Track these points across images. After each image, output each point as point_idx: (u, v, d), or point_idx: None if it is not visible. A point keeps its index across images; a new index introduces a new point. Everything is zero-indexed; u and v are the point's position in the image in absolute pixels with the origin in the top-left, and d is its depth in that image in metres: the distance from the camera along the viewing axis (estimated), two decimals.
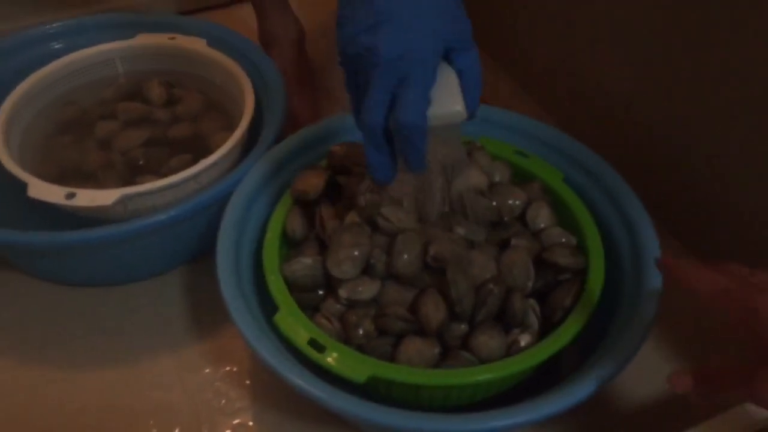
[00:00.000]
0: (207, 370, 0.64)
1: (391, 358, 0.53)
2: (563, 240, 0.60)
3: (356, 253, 0.55)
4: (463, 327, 0.54)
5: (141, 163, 0.73)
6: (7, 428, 0.60)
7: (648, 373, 0.58)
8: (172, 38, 0.80)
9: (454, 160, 0.56)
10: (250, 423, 0.60)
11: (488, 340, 0.53)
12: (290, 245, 0.61)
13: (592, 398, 0.48)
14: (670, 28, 0.65)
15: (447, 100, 0.49)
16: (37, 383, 0.63)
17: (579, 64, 0.80)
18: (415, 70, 0.45)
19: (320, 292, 0.58)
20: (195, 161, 0.67)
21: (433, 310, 0.53)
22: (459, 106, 0.49)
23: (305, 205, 0.62)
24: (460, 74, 0.48)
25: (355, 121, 0.49)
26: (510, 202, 0.61)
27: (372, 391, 0.54)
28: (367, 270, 0.56)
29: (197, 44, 0.79)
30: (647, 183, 0.65)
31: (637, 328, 0.52)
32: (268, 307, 0.57)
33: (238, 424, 0.60)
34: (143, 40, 0.81)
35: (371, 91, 0.45)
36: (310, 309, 0.57)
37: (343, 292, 0.55)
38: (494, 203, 0.59)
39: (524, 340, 0.53)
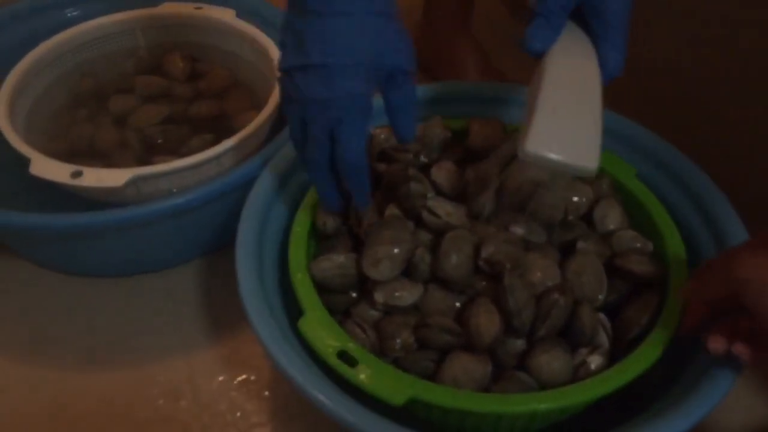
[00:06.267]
0: (221, 378, 0.58)
1: (433, 375, 0.47)
2: (638, 245, 0.52)
3: (396, 251, 0.49)
4: (520, 343, 0.47)
5: (159, 142, 0.68)
6: None
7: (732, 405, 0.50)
8: (199, 8, 0.75)
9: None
10: None
11: (550, 361, 0.45)
12: (320, 240, 0.55)
13: None
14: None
15: (582, 146, 0.42)
16: (32, 383, 0.58)
17: (643, 44, 0.73)
18: (347, 111, 0.45)
19: (353, 295, 0.51)
20: (217, 142, 0.62)
21: (486, 322, 0.46)
22: (593, 162, 0.41)
23: None
24: (393, 110, 0.48)
25: (298, 155, 0.51)
26: (575, 198, 0.54)
27: (409, 411, 0.47)
28: (408, 271, 0.50)
29: (226, 15, 0.74)
30: (726, 179, 0.56)
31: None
32: (293, 309, 0.51)
33: None
34: (167, 9, 0.76)
35: (311, 127, 0.47)
36: (341, 313, 0.51)
37: (379, 296, 0.49)
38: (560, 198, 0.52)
39: (594, 362, 0.45)
